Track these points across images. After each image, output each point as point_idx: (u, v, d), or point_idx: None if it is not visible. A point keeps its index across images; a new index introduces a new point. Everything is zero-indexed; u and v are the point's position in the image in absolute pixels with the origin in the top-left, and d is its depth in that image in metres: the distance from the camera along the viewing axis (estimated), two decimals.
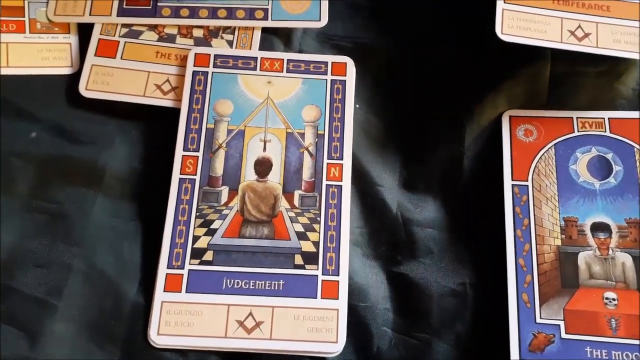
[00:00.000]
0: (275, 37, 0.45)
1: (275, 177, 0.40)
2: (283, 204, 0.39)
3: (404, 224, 0.40)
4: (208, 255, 0.38)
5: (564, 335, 0.36)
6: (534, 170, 0.40)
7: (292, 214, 0.39)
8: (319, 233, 0.38)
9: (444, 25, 0.46)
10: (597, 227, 0.39)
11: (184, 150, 0.40)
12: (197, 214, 0.39)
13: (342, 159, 0.40)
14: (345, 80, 0.43)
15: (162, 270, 0.37)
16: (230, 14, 0.44)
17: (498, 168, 0.41)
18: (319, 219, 0.39)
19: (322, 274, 0.37)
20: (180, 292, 0.37)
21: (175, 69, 0.42)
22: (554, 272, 0.38)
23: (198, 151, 0.40)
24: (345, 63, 0.43)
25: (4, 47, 0.43)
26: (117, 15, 0.44)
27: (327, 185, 0.40)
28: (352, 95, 0.42)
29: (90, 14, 0.44)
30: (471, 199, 0.41)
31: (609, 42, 0.41)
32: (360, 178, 0.41)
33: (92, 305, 0.37)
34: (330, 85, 0.42)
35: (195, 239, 0.38)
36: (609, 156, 0.40)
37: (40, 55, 0.43)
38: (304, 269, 0.38)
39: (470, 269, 0.39)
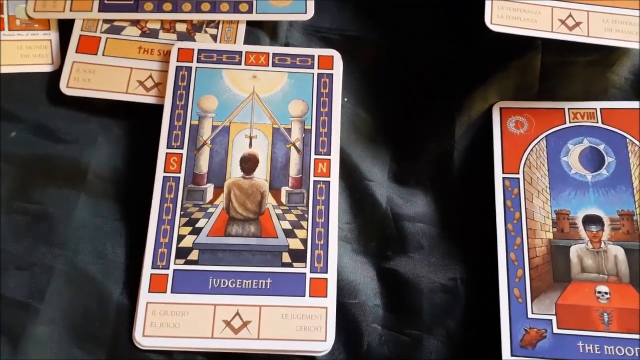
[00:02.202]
0: (261, 31, 0.44)
1: (261, 174, 0.39)
2: (270, 201, 0.39)
3: (394, 219, 0.40)
4: (193, 255, 0.37)
5: (555, 330, 0.35)
6: (525, 163, 0.40)
7: (279, 211, 0.38)
8: (307, 230, 0.38)
9: (433, 16, 0.45)
10: (589, 220, 0.38)
11: (167, 147, 0.39)
12: (182, 212, 0.38)
13: (329, 155, 0.40)
14: (332, 74, 0.42)
15: (147, 270, 0.37)
16: (214, 7, 0.43)
17: (489, 161, 0.40)
18: (306, 215, 0.38)
19: (311, 272, 0.37)
20: (165, 292, 0.36)
21: (158, 65, 0.42)
22: (546, 266, 0.37)
23: (182, 148, 0.39)
24: (332, 56, 0.42)
25: None
26: (99, 11, 0.43)
27: (314, 181, 0.39)
28: (340, 89, 0.42)
29: (70, 10, 0.43)
30: (462, 193, 0.40)
31: (600, 31, 0.40)
32: (349, 173, 0.41)
33: (76, 307, 0.36)
34: (317, 79, 0.42)
35: (180, 238, 0.37)
36: (601, 147, 0.40)
37: (20, 52, 0.42)
38: (292, 266, 0.37)
39: (461, 263, 0.39)
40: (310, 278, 0.37)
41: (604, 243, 0.37)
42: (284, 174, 0.39)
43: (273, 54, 0.42)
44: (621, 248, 0.37)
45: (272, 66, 0.42)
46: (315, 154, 0.40)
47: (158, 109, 0.40)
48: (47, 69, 0.42)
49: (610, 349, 0.35)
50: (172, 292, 0.36)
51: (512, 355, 0.35)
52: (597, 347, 0.35)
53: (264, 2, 0.43)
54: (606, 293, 0.36)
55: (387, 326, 0.37)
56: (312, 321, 0.36)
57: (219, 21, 0.44)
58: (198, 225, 0.38)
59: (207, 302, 0.36)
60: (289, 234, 0.38)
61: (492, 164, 0.40)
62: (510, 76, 0.42)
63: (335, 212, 0.38)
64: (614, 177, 0.39)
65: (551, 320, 0.36)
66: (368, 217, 0.40)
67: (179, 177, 0.39)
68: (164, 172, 0.39)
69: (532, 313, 0.36)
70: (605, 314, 0.36)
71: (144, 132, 0.41)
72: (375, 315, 0.38)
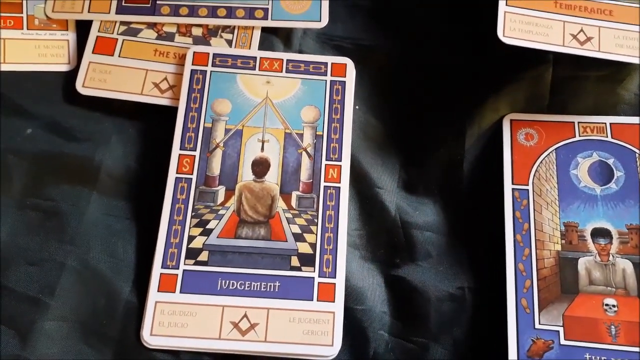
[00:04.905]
0: (275, 37, 0.44)
1: (272, 178, 0.39)
2: (280, 204, 0.39)
3: (403, 227, 0.40)
4: (203, 256, 0.37)
5: (563, 342, 0.35)
6: (534, 175, 0.40)
7: (289, 215, 0.39)
8: (316, 235, 0.38)
9: (445, 27, 0.45)
10: (598, 233, 0.38)
11: (180, 149, 0.39)
12: (193, 213, 0.38)
13: (340, 161, 0.40)
14: (345, 81, 0.42)
15: (157, 270, 0.37)
16: (230, 13, 0.44)
17: (498, 172, 0.40)
18: (316, 220, 0.38)
19: (319, 276, 0.37)
20: (174, 292, 0.36)
21: (173, 68, 0.42)
22: (554, 278, 0.37)
23: (195, 150, 0.40)
24: (345, 64, 0.43)
25: (2, 43, 0.43)
26: (116, 13, 0.43)
27: (325, 186, 0.39)
28: (352, 96, 0.42)
29: (88, 11, 0.43)
30: (471, 203, 0.40)
31: (611, 47, 0.40)
32: (359, 180, 0.41)
33: (85, 304, 0.36)
34: (330, 86, 0.42)
35: (191, 238, 0.37)
36: (610, 161, 0.40)
37: (37, 51, 0.43)
38: (301, 270, 0.37)
39: (469, 273, 0.39)
40: (319, 282, 0.37)
41: (612, 256, 0.37)
42: (295, 179, 0.40)
43: (287, 60, 0.43)
44: (629, 262, 0.37)
45: (286, 72, 0.42)
46: (326, 160, 0.40)
47: (172, 110, 0.41)
48: (64, 68, 0.43)
49: None
50: (181, 292, 0.36)
51: None
52: (604, 359, 0.35)
53: (279, 9, 0.44)
54: (614, 306, 0.36)
55: (393, 333, 0.37)
56: (320, 326, 0.36)
57: (234, 26, 0.44)
58: (209, 226, 0.38)
59: (216, 303, 0.36)
60: (298, 238, 0.38)
61: (501, 175, 0.40)
62: (521, 88, 0.43)
63: (345, 218, 0.38)
64: (623, 191, 0.39)
65: (558, 331, 0.36)
66: (377, 224, 0.40)
67: (191, 179, 0.39)
68: (177, 173, 0.39)
69: (540, 324, 0.36)
70: (612, 326, 0.36)
71: (157, 133, 0.41)
72: (382, 322, 0.38)
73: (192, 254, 0.37)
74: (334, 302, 0.36)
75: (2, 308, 0.36)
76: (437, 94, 0.43)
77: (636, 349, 0.35)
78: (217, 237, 0.38)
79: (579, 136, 0.41)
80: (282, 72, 0.42)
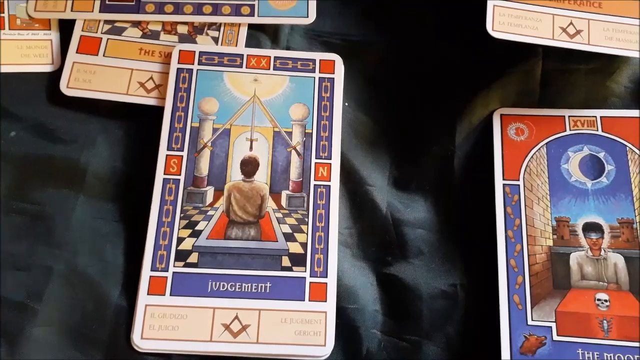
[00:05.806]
0: (262, 34, 0.44)
1: (262, 177, 0.39)
2: (270, 204, 0.38)
3: (394, 224, 0.40)
4: (193, 257, 0.37)
5: (555, 337, 0.35)
6: (525, 170, 0.40)
7: (279, 215, 0.38)
8: (307, 234, 0.38)
9: (434, 22, 0.45)
10: (589, 228, 0.38)
11: (168, 149, 0.39)
12: (182, 215, 0.38)
13: (330, 159, 0.40)
14: (333, 78, 0.42)
15: (146, 272, 0.36)
16: (216, 10, 0.43)
17: (489, 167, 0.40)
18: (306, 219, 0.38)
19: (310, 276, 0.37)
20: (164, 295, 0.36)
21: (159, 67, 0.42)
22: (546, 273, 0.37)
23: (182, 150, 0.39)
24: (334, 61, 0.42)
25: None
26: (100, 11, 0.43)
27: (315, 185, 0.39)
28: (341, 93, 0.41)
29: (71, 10, 0.43)
30: (462, 199, 0.40)
31: (600, 40, 0.40)
32: (350, 177, 0.40)
33: (74, 308, 0.36)
34: (319, 83, 0.42)
35: (180, 240, 0.37)
36: (601, 155, 0.40)
37: (20, 52, 0.42)
38: (292, 270, 0.37)
39: (461, 270, 0.38)
40: (310, 282, 0.37)
41: (604, 251, 0.37)
42: (285, 178, 0.39)
43: (274, 57, 0.42)
44: (621, 256, 0.37)
45: (274, 69, 0.42)
46: (316, 158, 0.40)
47: (158, 110, 0.40)
48: (48, 69, 0.42)
49: (610, 356, 0.35)
50: (171, 294, 0.36)
51: None
52: (597, 354, 0.35)
53: (265, 5, 0.43)
54: (606, 301, 0.36)
55: (386, 332, 0.37)
56: (312, 326, 0.36)
57: (220, 24, 0.43)
58: (198, 227, 0.37)
59: (206, 305, 0.36)
60: (289, 237, 0.38)
61: (492, 170, 0.40)
62: (511, 83, 0.42)
63: (335, 217, 0.38)
64: (614, 185, 0.39)
65: (551, 327, 0.36)
66: (368, 222, 0.40)
67: (179, 180, 0.38)
68: (164, 174, 0.38)
69: (532, 320, 0.36)
70: (604, 321, 0.36)
71: (144, 134, 0.40)
72: (374, 320, 0.37)
73: (182, 255, 0.37)
74: (325, 301, 0.36)
75: None
76: (427, 89, 0.43)
77: (628, 344, 0.35)
78: (207, 239, 0.37)
79: (570, 130, 0.41)
80: (269, 69, 0.42)
